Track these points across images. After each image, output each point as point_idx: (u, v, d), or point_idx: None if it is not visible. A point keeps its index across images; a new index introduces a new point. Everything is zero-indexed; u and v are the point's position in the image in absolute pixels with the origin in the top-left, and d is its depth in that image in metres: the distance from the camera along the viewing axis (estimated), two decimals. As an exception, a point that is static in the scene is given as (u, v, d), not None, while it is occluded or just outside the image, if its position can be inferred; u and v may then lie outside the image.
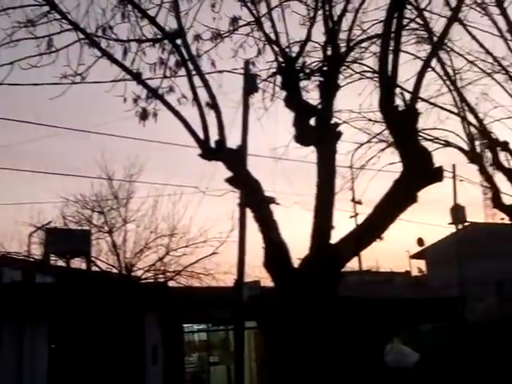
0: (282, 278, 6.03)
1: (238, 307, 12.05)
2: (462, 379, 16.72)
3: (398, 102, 6.09)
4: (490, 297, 32.40)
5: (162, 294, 14.04)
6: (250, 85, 9.95)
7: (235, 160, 6.37)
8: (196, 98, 6.26)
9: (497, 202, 9.79)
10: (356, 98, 9.21)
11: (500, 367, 18.94)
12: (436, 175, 5.91)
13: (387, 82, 5.74)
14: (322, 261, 5.86)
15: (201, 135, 6.32)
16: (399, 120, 5.81)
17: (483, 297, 31.82)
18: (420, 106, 9.30)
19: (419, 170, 5.85)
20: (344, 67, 9.09)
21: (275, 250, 6.11)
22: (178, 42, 6.36)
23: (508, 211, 9.59)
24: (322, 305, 5.82)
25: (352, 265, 24.73)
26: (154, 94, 6.52)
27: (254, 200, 6.39)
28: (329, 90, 6.40)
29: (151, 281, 14.96)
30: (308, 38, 6.59)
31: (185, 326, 15.37)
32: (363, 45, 7.80)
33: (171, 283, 14.91)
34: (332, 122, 6.60)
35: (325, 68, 6.48)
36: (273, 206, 6.60)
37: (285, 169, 10.78)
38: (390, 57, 5.80)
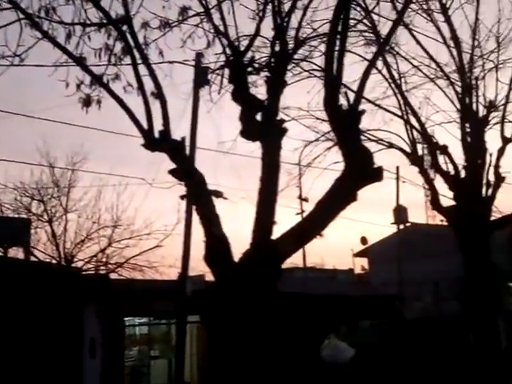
0: (221, 273, 6.02)
1: (180, 301, 11.95)
2: (396, 374, 17.24)
3: (343, 101, 6.18)
4: (427, 295, 33.60)
5: (102, 286, 13.75)
6: (201, 77, 9.87)
7: (179, 151, 6.29)
8: (141, 87, 6.14)
9: (435, 203, 10.13)
10: (305, 96, 9.30)
11: (433, 362, 19.68)
12: (376, 175, 6.03)
13: (332, 80, 5.81)
14: (262, 256, 5.88)
15: (145, 125, 6.22)
16: (342, 119, 5.90)
17: (421, 295, 32.95)
18: (366, 107, 9.55)
19: (360, 170, 5.95)
20: (293, 65, 9.21)
21: (216, 244, 6.08)
22: (124, 28, 6.21)
23: (445, 213, 9.94)
24: (261, 300, 5.85)
25: (297, 261, 25.04)
26: (97, 80, 6.35)
27: (197, 193, 6.34)
28: (276, 85, 6.42)
29: (92, 272, 14.62)
30: (257, 33, 6.59)
31: (126, 319, 15.15)
32: (313, 43, 7.89)
33: (113, 275, 14.63)
34: (278, 117, 6.63)
35: (272, 64, 6.49)
36: (220, 201, 6.57)
37: (233, 163, 10.78)
38: (336, 56, 5.88)
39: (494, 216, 9.77)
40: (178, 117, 9.32)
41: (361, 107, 6.74)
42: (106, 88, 6.22)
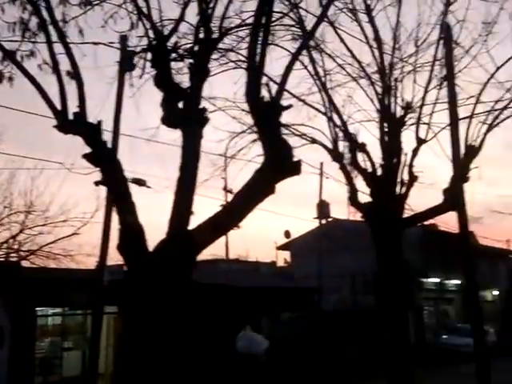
0: (134, 262, 5.87)
1: (97, 291, 11.61)
2: (310, 365, 17.73)
3: (266, 94, 6.18)
4: (345, 289, 34.82)
5: (13, 274, 13.13)
6: (127, 62, 9.56)
7: (94, 135, 6.06)
8: (55, 66, 5.85)
9: (353, 199, 10.39)
10: (232, 87, 9.25)
11: (347, 354, 20.38)
12: (294, 168, 6.09)
13: (254, 71, 5.80)
14: (177, 246, 5.79)
15: (59, 106, 5.94)
16: (263, 111, 5.90)
17: (339, 288, 34.09)
18: (292, 102, 9.64)
19: (279, 162, 5.99)
20: (220, 54, 9.13)
21: (130, 232, 5.92)
22: (40, 2, 5.90)
23: (362, 209, 10.23)
24: (174, 290, 5.76)
25: (221, 253, 25.06)
26: (9, 56, 5.99)
27: (112, 179, 6.13)
28: (199, 73, 6.32)
29: (2, 260, 13.93)
30: (181, 18, 6.45)
31: (38, 309, 14.56)
32: (240, 34, 7.84)
33: (25, 263, 14.01)
34: (201, 106, 6.54)
35: (196, 51, 6.39)
36: (143, 189, 6.40)
37: (158, 151, 10.55)
38: (260, 47, 5.87)
39: (407, 214, 10.17)
40: (102, 101, 9.02)
41: (287, 102, 6.80)
42: (16, 65, 5.88)
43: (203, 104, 6.68)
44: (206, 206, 6.24)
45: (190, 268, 6.00)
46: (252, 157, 10.65)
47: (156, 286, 5.60)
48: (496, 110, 10.72)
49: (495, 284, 46.54)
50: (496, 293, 46.32)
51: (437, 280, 39.28)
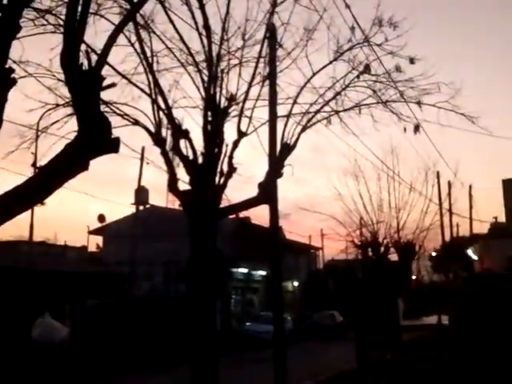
0: None
1: None
2: (116, 351, 17.26)
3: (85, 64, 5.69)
4: (158, 276, 34.75)
5: None
6: None
7: None
8: None
9: (172, 186, 10.24)
10: (49, 54, 8.39)
11: (153, 339, 20.25)
12: (111, 146, 5.71)
13: (72, 34, 5.29)
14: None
15: None
16: (81, 80, 5.42)
17: (152, 275, 33.88)
18: (116, 79, 9.13)
19: (95, 138, 5.55)
20: (39, 16, 8.26)
21: None
22: None
23: (181, 197, 10.14)
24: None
25: (25, 234, 23.03)
26: None
27: None
28: (7, 28, 5.56)
29: None
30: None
31: None
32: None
33: None
34: (6, 66, 5.77)
35: (5, 3, 5.61)
36: None
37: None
38: (80, 12, 5.36)
39: (224, 204, 10.35)
40: None
41: (111, 80, 6.34)
42: None
43: (11, 65, 5.93)
44: (13, 182, 5.51)
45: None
46: (68, 132, 9.84)
47: None
48: (310, 113, 11.50)
49: (296, 276, 50.61)
50: (296, 284, 50.42)
51: (245, 270, 41.34)
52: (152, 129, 10.41)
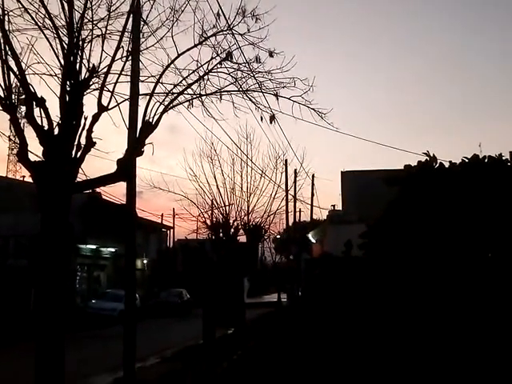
0: None
1: None
2: None
3: None
4: (-5, 250, 32.10)
5: None
6: None
7: None
8: None
9: (22, 156, 9.60)
10: None
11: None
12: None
13: None
14: None
15: None
16: None
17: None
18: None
19: None
20: None
21: None
22: None
23: (33, 168, 9.53)
24: None
25: None
26: None
27: None
28: None
29: None
30: None
31: None
32: None
33: None
34: None
35: None
36: None
37: None
38: None
39: (80, 179, 10.00)
40: None
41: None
42: None
43: None
44: None
45: None
46: None
47: None
48: (173, 94, 11.50)
49: (146, 254, 50.24)
50: (145, 261, 50.08)
51: (93, 247, 39.99)
52: (1, 93, 9.62)
